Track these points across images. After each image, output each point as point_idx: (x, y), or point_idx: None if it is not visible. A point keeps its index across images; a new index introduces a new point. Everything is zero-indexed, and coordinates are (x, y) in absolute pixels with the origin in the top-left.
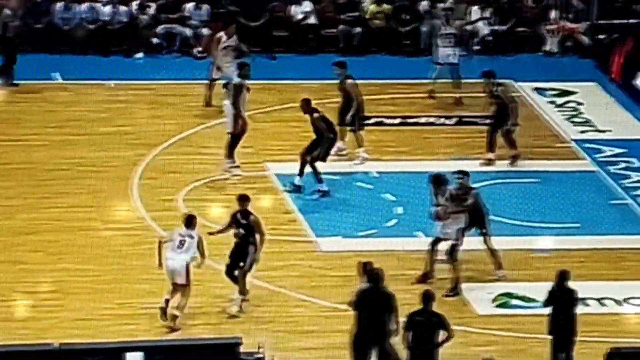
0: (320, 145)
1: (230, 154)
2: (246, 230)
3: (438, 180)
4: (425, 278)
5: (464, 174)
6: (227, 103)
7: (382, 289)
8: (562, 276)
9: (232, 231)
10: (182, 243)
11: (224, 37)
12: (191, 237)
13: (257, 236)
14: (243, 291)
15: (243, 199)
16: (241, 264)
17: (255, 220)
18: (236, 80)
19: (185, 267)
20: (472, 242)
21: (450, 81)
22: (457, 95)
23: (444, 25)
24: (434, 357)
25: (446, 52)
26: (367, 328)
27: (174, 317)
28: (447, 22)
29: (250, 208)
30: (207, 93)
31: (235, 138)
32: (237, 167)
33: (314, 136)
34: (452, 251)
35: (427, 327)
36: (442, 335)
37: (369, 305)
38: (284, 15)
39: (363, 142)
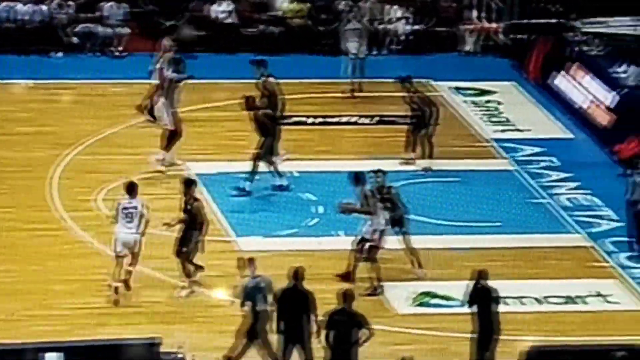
0: (266, 142)
1: (168, 148)
2: (189, 216)
3: (356, 179)
4: (347, 276)
5: (382, 172)
6: (162, 100)
7: (301, 288)
8: (479, 275)
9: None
10: (129, 216)
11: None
12: (135, 207)
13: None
14: (189, 274)
15: (189, 184)
16: (184, 249)
17: (197, 206)
18: (171, 75)
19: (139, 237)
20: (392, 241)
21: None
22: (352, 87)
23: (349, 20)
24: (354, 356)
25: (353, 47)
26: (287, 327)
27: (127, 277)
28: (355, 18)
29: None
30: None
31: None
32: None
33: (234, 135)
34: (370, 251)
35: (346, 327)
36: (361, 334)
37: (288, 304)
38: (204, 14)
39: None
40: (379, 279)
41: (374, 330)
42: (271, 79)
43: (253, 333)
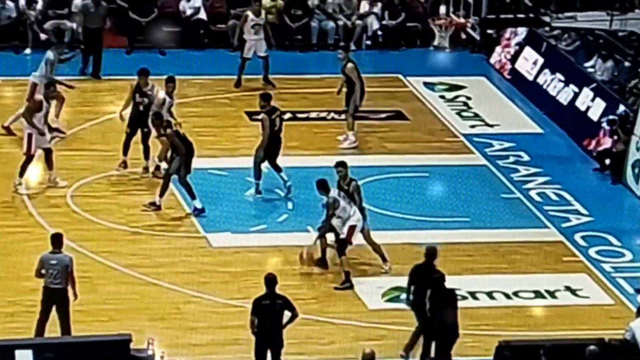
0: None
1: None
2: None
3: (325, 188)
4: (324, 262)
5: (343, 166)
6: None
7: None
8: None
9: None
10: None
11: (251, 15)
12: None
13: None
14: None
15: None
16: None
17: (169, 134)
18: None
19: None
20: (359, 237)
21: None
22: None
23: (254, 15)
24: (281, 338)
25: (252, 45)
26: (265, 334)
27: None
28: (257, 13)
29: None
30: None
31: None
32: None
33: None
34: (340, 246)
35: (273, 310)
36: (286, 316)
37: (267, 312)
38: (174, 10)
39: (354, 127)
40: (348, 273)
41: (298, 312)
42: (349, 65)
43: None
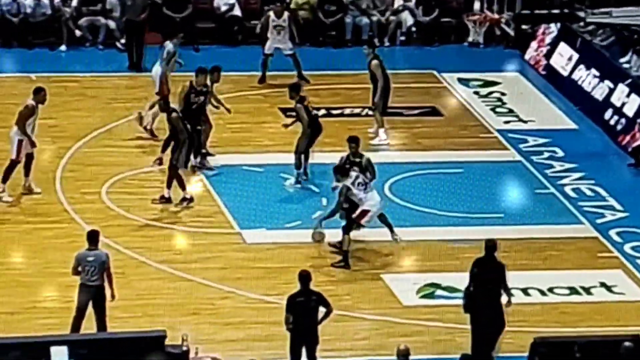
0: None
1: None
2: (171, 129)
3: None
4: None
5: (355, 142)
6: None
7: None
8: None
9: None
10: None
11: (272, 16)
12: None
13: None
14: (169, 186)
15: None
16: (174, 161)
17: (174, 117)
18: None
19: None
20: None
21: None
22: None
23: (275, 16)
24: (316, 335)
25: (273, 43)
26: (300, 331)
27: None
28: (279, 14)
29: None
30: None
31: None
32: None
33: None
34: (348, 224)
35: (307, 307)
36: (321, 313)
37: (301, 308)
38: (208, 7)
39: (383, 124)
40: (346, 253)
41: (333, 308)
42: (374, 62)
43: None
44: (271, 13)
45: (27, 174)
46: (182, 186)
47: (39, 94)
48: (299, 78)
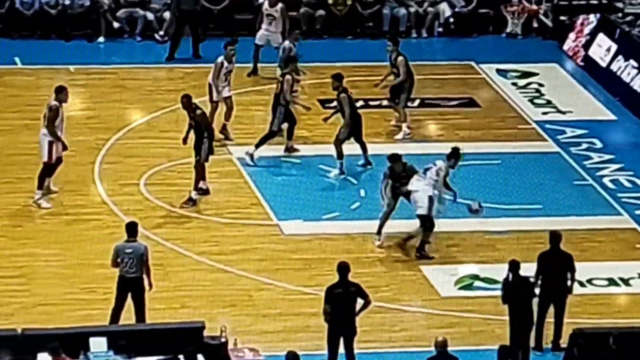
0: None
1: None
2: (195, 124)
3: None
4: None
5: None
6: None
7: (350, 281)
8: (514, 267)
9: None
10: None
11: (266, 4)
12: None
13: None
14: (196, 185)
15: (184, 98)
16: (197, 157)
17: (200, 114)
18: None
19: None
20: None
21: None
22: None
23: (269, 5)
24: (354, 326)
25: (264, 33)
26: (338, 322)
27: None
28: (273, 4)
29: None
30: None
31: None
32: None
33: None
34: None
35: (345, 298)
36: (359, 304)
37: (338, 301)
38: None
39: (407, 118)
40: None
41: (371, 299)
42: (400, 58)
43: None
44: (265, 2)
45: (50, 174)
46: (203, 177)
47: (61, 93)
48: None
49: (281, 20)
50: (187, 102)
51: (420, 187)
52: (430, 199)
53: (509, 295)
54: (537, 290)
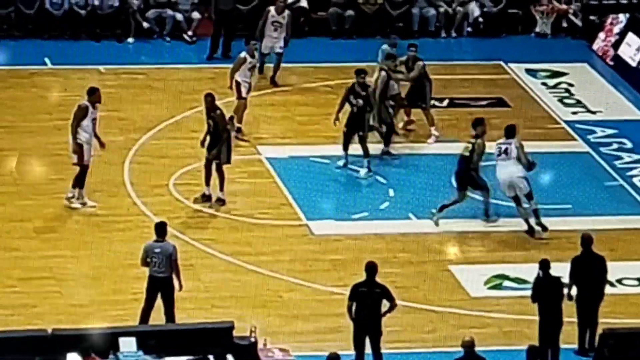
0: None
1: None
2: (213, 124)
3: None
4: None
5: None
6: None
7: (376, 282)
8: (545, 265)
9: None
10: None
11: (272, 12)
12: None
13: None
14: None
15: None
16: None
17: (219, 114)
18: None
19: None
20: (461, 224)
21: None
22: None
23: (276, 12)
24: (378, 327)
25: (271, 42)
26: (362, 321)
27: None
28: (280, 10)
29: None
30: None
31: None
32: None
33: (306, 119)
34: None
35: (370, 297)
36: (385, 306)
37: (362, 299)
38: None
39: (434, 121)
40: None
41: (396, 302)
42: (419, 62)
43: None
44: (272, 8)
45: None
46: (207, 182)
47: (94, 95)
48: (271, 79)
49: (286, 27)
50: (211, 100)
51: (513, 171)
52: (526, 178)
53: (538, 294)
54: (573, 293)
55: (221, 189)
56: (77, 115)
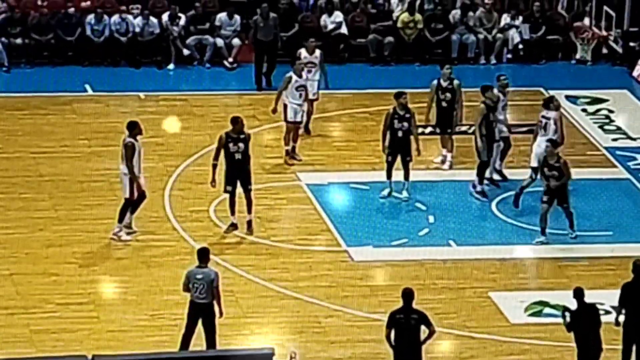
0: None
1: None
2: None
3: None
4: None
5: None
6: None
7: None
8: (579, 294)
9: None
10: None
11: (304, 53)
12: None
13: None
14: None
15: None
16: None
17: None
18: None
19: None
20: (501, 251)
21: None
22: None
23: (296, 75)
24: (418, 354)
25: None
26: (401, 349)
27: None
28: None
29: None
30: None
31: None
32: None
33: (345, 145)
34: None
35: (407, 325)
36: (424, 332)
37: (400, 327)
38: (315, 25)
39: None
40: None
41: (435, 328)
42: (457, 81)
43: None
44: (302, 50)
45: (132, 211)
46: (232, 211)
47: (135, 129)
48: (305, 127)
49: (320, 66)
50: (241, 122)
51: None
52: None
53: (575, 323)
54: (621, 319)
55: (249, 211)
56: (127, 155)
